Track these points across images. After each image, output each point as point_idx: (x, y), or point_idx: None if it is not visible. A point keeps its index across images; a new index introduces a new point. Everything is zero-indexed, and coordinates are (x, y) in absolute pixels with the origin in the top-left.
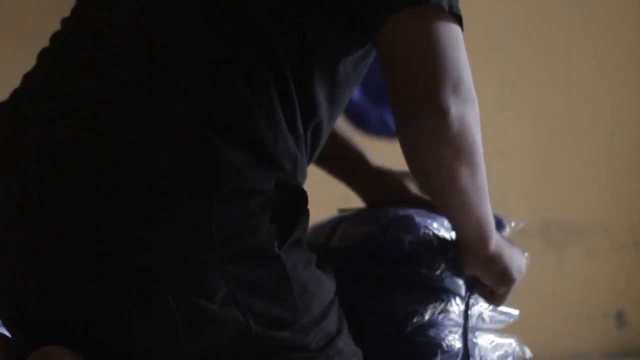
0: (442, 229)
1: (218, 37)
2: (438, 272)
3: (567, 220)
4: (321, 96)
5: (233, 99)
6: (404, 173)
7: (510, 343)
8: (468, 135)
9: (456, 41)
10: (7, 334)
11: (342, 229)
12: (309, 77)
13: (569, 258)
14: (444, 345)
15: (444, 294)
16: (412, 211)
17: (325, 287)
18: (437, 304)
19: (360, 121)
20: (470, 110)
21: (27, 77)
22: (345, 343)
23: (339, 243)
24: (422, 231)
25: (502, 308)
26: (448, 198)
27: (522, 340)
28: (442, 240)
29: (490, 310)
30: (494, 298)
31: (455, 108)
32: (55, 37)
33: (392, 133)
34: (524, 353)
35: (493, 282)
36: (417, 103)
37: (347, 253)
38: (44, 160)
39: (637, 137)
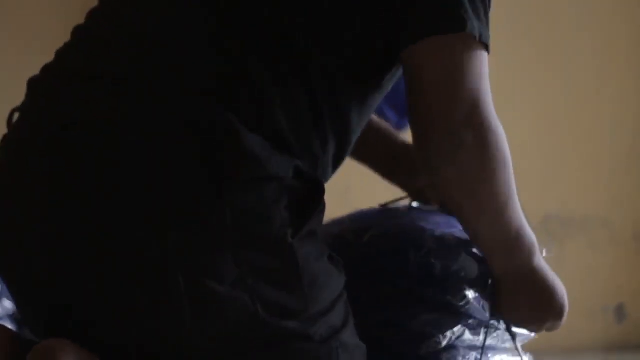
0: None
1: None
2: (462, 303)
3: (568, 214)
4: (351, 102)
5: (255, 87)
6: None
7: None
8: (482, 160)
9: (480, 70)
10: (11, 327)
11: (374, 231)
12: (339, 82)
13: (569, 252)
14: None
15: (465, 319)
16: (449, 233)
17: (335, 280)
18: (456, 331)
19: None
20: (486, 137)
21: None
22: (350, 337)
23: (367, 246)
24: (455, 258)
25: (517, 330)
26: (464, 218)
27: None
28: (478, 266)
29: (504, 331)
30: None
31: (466, 134)
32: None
33: (391, 125)
34: None
35: (534, 313)
36: (430, 127)
37: (375, 259)
38: (60, 131)
39: (638, 132)
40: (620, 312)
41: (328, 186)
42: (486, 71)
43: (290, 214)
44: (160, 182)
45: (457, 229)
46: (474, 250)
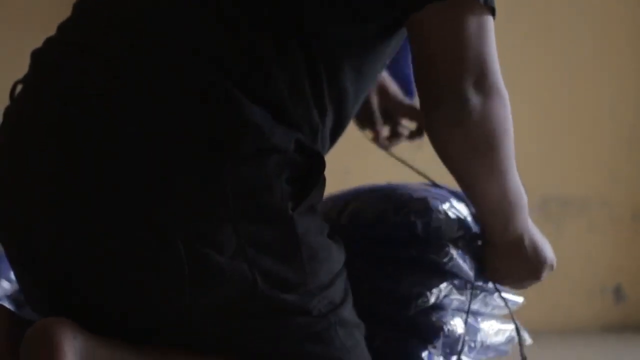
0: (460, 212)
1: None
2: (446, 260)
3: (567, 195)
4: (348, 70)
5: (255, 56)
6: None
7: (512, 329)
8: (489, 126)
9: (487, 34)
10: (10, 307)
11: (354, 205)
12: (336, 50)
13: (568, 233)
14: (446, 329)
15: (450, 277)
16: (429, 193)
17: (334, 256)
18: (442, 288)
19: None
20: (494, 103)
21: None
22: (349, 314)
23: (348, 220)
24: (434, 215)
25: (506, 295)
26: (468, 183)
27: (521, 313)
28: (458, 224)
29: (495, 297)
30: (516, 287)
31: (475, 100)
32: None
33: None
34: (524, 339)
35: (519, 272)
36: (440, 92)
37: (357, 230)
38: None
39: (637, 113)
40: (618, 292)
41: (327, 169)
42: (492, 36)
43: (291, 187)
44: (161, 151)
45: (434, 192)
46: (456, 207)
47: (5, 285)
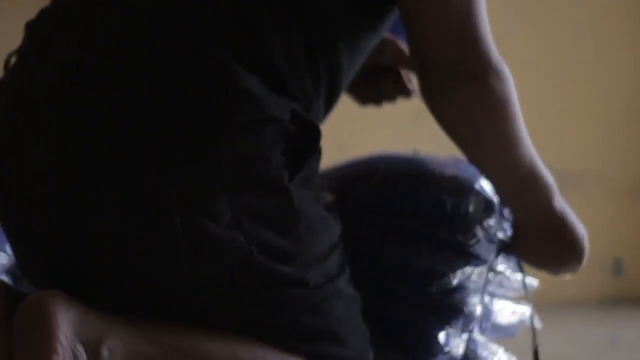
0: (488, 193)
1: None
2: (472, 242)
3: (564, 169)
4: (343, 41)
5: (250, 24)
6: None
7: (523, 312)
8: (480, 97)
9: (478, 8)
10: (7, 280)
11: (382, 174)
12: (330, 20)
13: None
14: (466, 310)
15: (474, 259)
16: (460, 170)
17: (331, 228)
18: (466, 270)
19: None
20: (486, 73)
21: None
22: (345, 286)
23: (375, 190)
24: (465, 196)
25: (520, 277)
26: (470, 155)
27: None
28: (485, 205)
29: (512, 279)
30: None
31: (465, 72)
32: None
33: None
34: (535, 323)
35: (555, 258)
36: (430, 65)
37: (383, 200)
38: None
39: (636, 86)
40: (617, 266)
41: (323, 144)
42: (483, 8)
43: (286, 157)
44: (158, 121)
45: (465, 169)
46: (485, 188)
47: (2, 259)
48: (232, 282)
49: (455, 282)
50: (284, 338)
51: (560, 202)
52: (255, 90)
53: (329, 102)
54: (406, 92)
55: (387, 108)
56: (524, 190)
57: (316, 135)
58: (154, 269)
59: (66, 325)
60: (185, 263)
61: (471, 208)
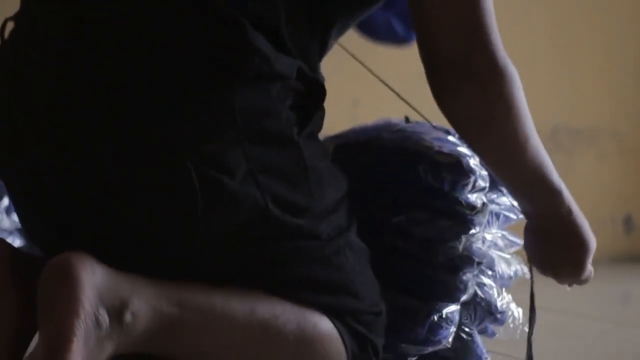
0: (482, 172)
1: None
2: (471, 214)
3: (576, 127)
4: (339, 14)
5: None
6: None
7: (515, 262)
8: (487, 99)
9: (484, 4)
10: (20, 241)
11: (377, 143)
12: (335, 6)
13: (578, 163)
14: (475, 257)
15: (474, 226)
16: (455, 145)
17: (338, 182)
18: (468, 235)
19: (369, 27)
20: (492, 73)
21: None
22: (355, 239)
23: (372, 158)
24: (463, 173)
25: (511, 237)
26: (480, 154)
27: None
28: (484, 178)
29: (502, 238)
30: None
31: (469, 70)
32: None
33: (399, 39)
34: (524, 273)
35: (557, 263)
36: (436, 61)
37: (382, 170)
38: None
39: None
40: (628, 222)
41: (336, 100)
42: (492, 6)
43: (294, 113)
44: (169, 75)
45: (458, 146)
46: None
47: (16, 218)
48: (248, 235)
49: (461, 248)
50: (299, 291)
51: (571, 210)
52: (263, 46)
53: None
54: None
55: (401, 63)
56: (531, 194)
57: (321, 92)
58: (170, 225)
59: (90, 289)
60: (202, 217)
61: (470, 183)
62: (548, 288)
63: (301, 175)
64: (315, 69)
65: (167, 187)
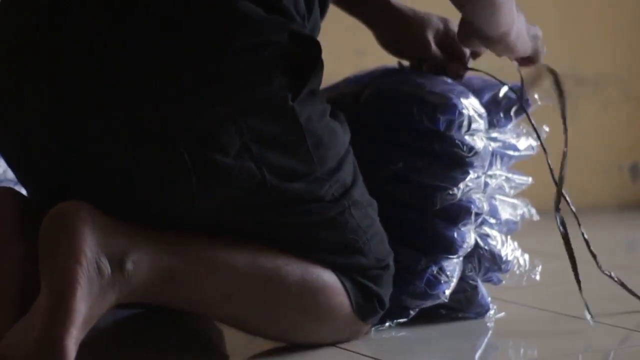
0: (478, 107)
1: None
2: (470, 154)
3: (580, 74)
4: None
5: None
6: (427, 20)
7: (524, 206)
8: None
9: None
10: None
11: (372, 89)
12: None
13: (584, 111)
14: (473, 208)
15: (473, 168)
16: (448, 86)
17: (340, 138)
18: (466, 179)
19: None
20: None
21: None
22: (361, 193)
23: (367, 104)
24: (457, 112)
25: (516, 178)
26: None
27: (536, 192)
28: (477, 118)
29: (506, 181)
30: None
31: None
32: None
33: None
34: (531, 215)
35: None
36: None
37: (375, 114)
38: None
39: None
40: (635, 170)
41: (341, 50)
42: None
43: (288, 77)
44: (157, 52)
45: (451, 86)
46: (474, 102)
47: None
48: (248, 206)
49: (459, 194)
50: (303, 252)
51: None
52: (251, 14)
53: (322, 15)
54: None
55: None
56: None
57: (316, 49)
58: (167, 201)
59: (91, 238)
60: (198, 194)
61: (464, 122)
62: (554, 236)
63: (298, 142)
64: (305, 25)
65: (158, 167)
